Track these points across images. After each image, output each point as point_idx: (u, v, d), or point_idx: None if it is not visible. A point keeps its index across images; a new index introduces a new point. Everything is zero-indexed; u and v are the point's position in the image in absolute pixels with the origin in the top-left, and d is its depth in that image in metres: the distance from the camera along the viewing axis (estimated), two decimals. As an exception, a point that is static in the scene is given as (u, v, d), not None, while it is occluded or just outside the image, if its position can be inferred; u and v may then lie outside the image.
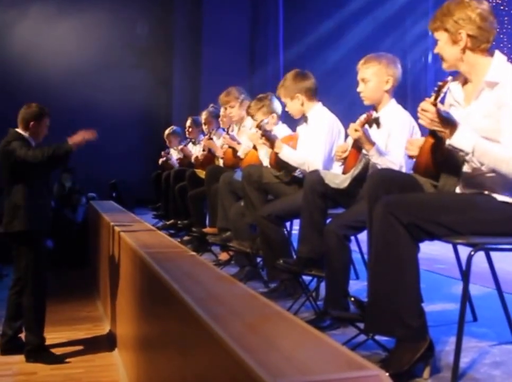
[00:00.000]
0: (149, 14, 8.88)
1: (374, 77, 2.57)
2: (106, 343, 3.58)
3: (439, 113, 1.81)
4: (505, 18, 6.67)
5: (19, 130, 3.32)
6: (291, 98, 3.08)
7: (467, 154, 1.83)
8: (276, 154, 3.06)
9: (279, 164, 3.08)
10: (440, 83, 1.84)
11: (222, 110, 4.36)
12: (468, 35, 1.94)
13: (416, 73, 7.56)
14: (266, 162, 3.34)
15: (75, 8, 8.06)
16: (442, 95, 1.84)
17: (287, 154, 3.02)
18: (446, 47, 1.99)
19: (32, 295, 3.22)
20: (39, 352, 3.24)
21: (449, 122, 1.83)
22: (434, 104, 1.82)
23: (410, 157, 2.12)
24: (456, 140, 1.82)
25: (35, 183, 3.29)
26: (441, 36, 2.00)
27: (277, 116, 3.58)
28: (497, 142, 1.86)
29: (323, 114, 3.08)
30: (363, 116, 2.47)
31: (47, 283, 3.36)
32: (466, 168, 1.98)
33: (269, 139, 3.04)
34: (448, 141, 1.85)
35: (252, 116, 3.59)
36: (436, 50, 2.05)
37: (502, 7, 6.49)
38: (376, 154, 2.40)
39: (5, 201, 3.28)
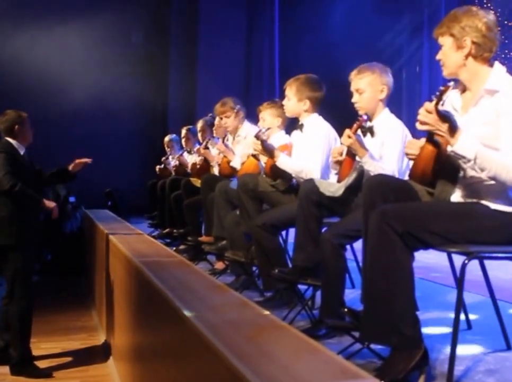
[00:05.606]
0: (144, 22, 8.92)
1: (369, 87, 2.59)
2: (101, 353, 3.56)
3: (439, 115, 1.82)
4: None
5: (8, 139, 3.28)
6: (298, 100, 3.09)
7: (469, 161, 1.83)
8: (273, 162, 3.06)
9: (275, 172, 3.09)
10: (442, 88, 1.84)
11: (217, 119, 4.37)
12: (473, 42, 1.96)
13: (411, 83, 7.61)
14: None
15: (70, 17, 8.08)
16: (444, 99, 1.84)
17: (284, 162, 3.02)
18: (449, 52, 2.01)
19: (17, 306, 3.18)
20: (23, 366, 3.18)
21: (450, 126, 1.82)
22: (436, 108, 1.82)
23: (409, 158, 2.09)
24: (458, 148, 1.82)
25: (22, 195, 3.24)
26: (445, 41, 2.01)
27: (282, 121, 3.60)
28: (495, 150, 1.87)
29: (318, 123, 3.10)
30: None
31: (34, 294, 3.31)
32: (461, 176, 2.00)
33: (266, 148, 3.04)
34: (450, 149, 1.85)
35: (259, 113, 3.62)
36: (439, 56, 2.06)
37: (506, 22, 6.52)
38: (369, 161, 2.42)
39: None
